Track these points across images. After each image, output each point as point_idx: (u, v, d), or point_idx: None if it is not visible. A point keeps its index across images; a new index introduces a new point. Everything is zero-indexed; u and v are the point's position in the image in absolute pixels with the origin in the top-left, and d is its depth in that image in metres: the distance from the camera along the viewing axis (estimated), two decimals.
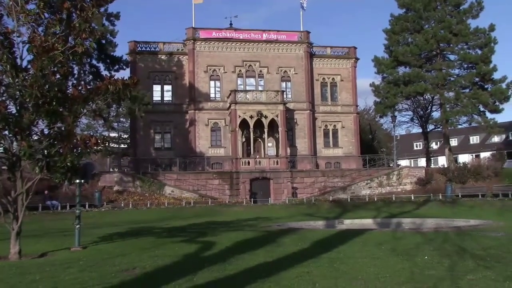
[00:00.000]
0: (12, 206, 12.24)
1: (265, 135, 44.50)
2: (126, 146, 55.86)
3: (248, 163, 43.02)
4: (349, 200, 37.74)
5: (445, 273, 9.18)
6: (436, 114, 52.03)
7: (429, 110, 54.04)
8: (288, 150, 44.89)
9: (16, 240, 11.96)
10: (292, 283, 8.38)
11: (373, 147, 58.47)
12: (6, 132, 11.96)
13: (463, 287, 8.04)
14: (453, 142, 65.48)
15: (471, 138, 72.12)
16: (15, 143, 12.25)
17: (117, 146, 55.87)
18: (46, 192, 31.79)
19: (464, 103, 43.67)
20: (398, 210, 30.41)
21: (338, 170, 46.45)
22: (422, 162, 63.62)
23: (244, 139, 45.37)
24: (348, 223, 23.56)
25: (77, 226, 13.58)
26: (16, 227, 12.04)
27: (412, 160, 76.12)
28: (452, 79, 45.40)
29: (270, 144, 45.59)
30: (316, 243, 13.60)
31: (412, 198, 36.90)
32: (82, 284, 8.33)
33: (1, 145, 12.17)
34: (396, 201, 35.66)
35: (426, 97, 51.10)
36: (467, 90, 45.13)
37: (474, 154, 65.37)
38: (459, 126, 50.54)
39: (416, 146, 79.81)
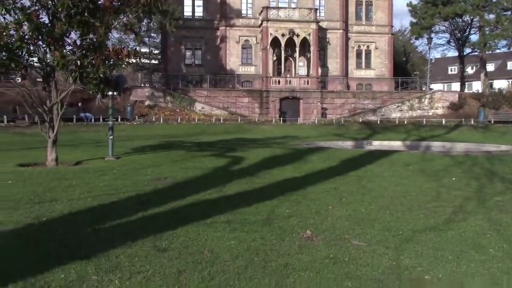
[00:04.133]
0: (48, 116, 12.56)
1: (297, 54, 43.80)
2: (157, 62, 55.88)
3: (279, 82, 42.75)
4: (378, 122, 37.54)
5: (473, 194, 9.20)
6: (474, 37, 50.15)
7: (467, 33, 52.02)
8: (319, 70, 44.32)
9: (52, 148, 12.37)
10: (319, 197, 8.54)
11: (406, 70, 57.18)
12: (40, 42, 12.04)
13: (490, 207, 8.07)
14: (490, 67, 63.40)
15: (509, 63, 69.60)
16: (48, 53, 12.36)
17: (148, 61, 55.94)
18: (80, 104, 32.44)
19: (504, 26, 41.80)
20: (428, 133, 30.15)
21: (369, 92, 45.86)
22: (456, 86, 62.14)
23: (275, 58, 44.81)
24: (377, 145, 23.56)
25: (110, 137, 13.91)
26: (52, 135, 12.41)
27: (445, 84, 74.43)
28: (493, 0, 43.19)
29: (301, 64, 44.97)
30: (344, 162, 13.69)
31: (443, 122, 36.44)
32: (116, 190, 8.65)
33: (36, 55, 12.29)
34: (426, 125, 35.32)
35: (465, 19, 49.00)
36: (509, 13, 43.00)
37: (510, 80, 63.38)
38: (498, 51, 48.75)
39: (451, 70, 77.67)
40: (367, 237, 6.20)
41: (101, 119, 30.84)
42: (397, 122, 37.94)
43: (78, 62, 12.00)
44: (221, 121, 36.18)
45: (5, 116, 28.57)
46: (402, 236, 6.31)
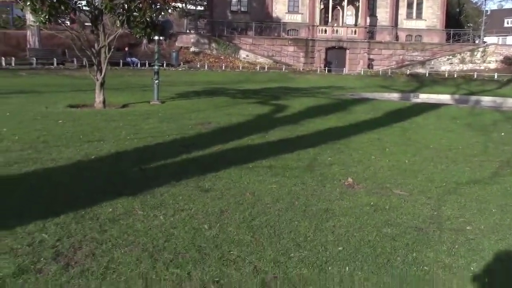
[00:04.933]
0: (96, 59, 12.78)
1: (345, 3, 42.58)
2: (202, 8, 55.44)
3: (325, 31, 41.86)
4: (427, 75, 36.46)
5: None
6: None
7: None
8: (368, 20, 43.04)
9: (100, 90, 12.66)
10: (361, 147, 8.49)
11: (459, 22, 54.77)
12: None
13: None
14: None
15: None
16: None
17: (194, 7, 55.55)
18: (126, 49, 32.75)
19: None
20: (479, 88, 29.15)
21: (419, 43, 44.34)
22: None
23: (322, 6, 43.70)
24: (424, 98, 23.00)
25: (156, 81, 14.09)
26: (100, 78, 12.67)
27: (500, 37, 71.07)
28: None
29: (349, 13, 43.74)
30: (388, 113, 13.48)
31: (496, 77, 35.08)
32: (161, 133, 8.83)
33: None
34: (477, 79, 34.12)
35: None
36: None
37: None
38: None
39: (507, 23, 73.93)
40: (409, 187, 6.16)
41: (146, 64, 31.11)
42: (446, 75, 36.76)
43: (125, 5, 12.07)
44: (265, 69, 35.94)
45: (55, 59, 29.17)
46: (445, 187, 6.24)
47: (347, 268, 3.83)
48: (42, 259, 3.70)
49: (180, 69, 33.33)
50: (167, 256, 3.85)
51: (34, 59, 28.55)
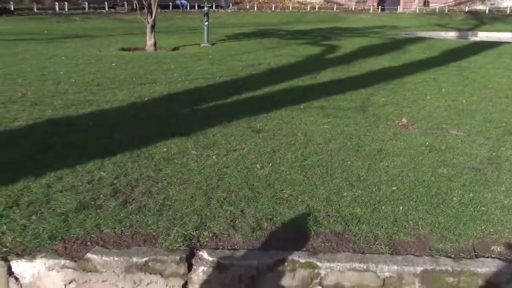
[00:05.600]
0: (146, 1, 12.76)
1: None
2: None
3: None
4: (487, 12, 34.57)
5: None
6: None
7: None
8: None
9: (151, 33, 12.70)
10: (416, 87, 8.23)
11: None
12: None
13: None
14: None
15: None
16: None
17: None
18: None
19: None
20: None
21: None
22: None
23: None
24: (483, 36, 21.90)
25: (206, 23, 13.99)
26: (151, 21, 12.69)
27: None
28: None
29: None
30: (445, 52, 12.94)
31: None
32: (212, 74, 8.84)
33: None
34: None
35: None
36: None
37: None
38: None
39: None
40: (467, 128, 5.96)
41: (196, 6, 30.89)
42: (508, 12, 34.71)
43: None
44: (316, 9, 35.00)
45: (106, 3, 29.40)
46: (505, 128, 6.00)
47: (401, 207, 3.78)
48: (101, 195, 3.84)
49: (229, 10, 32.94)
50: (220, 194, 3.91)
51: (86, 3, 28.89)
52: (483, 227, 3.54)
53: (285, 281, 3.07)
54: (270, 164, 4.57)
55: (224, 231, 3.38)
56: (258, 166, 4.52)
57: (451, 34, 21.84)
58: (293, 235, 3.36)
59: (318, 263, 3.05)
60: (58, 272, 3.04)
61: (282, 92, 7.71)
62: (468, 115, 6.54)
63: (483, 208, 3.82)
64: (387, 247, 3.27)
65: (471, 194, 4.05)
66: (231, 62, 10.37)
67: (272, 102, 6.96)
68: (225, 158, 4.69)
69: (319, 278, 3.04)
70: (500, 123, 6.19)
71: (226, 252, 3.12)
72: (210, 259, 3.06)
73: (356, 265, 3.04)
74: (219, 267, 3.03)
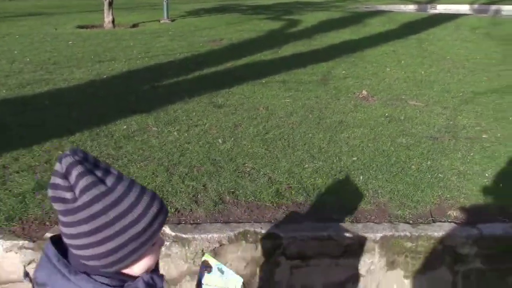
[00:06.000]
0: None
1: None
2: None
3: None
4: None
5: None
6: None
7: None
8: None
9: (108, 10, 12.37)
10: (376, 59, 8.31)
11: None
12: None
13: None
14: None
15: None
16: None
17: None
18: None
19: None
20: None
21: None
22: None
23: None
24: (442, 9, 22.19)
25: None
26: None
27: None
28: None
29: None
30: (404, 25, 13.05)
31: None
32: (172, 51, 8.70)
33: None
34: None
35: None
36: None
37: None
38: None
39: None
40: (425, 98, 6.07)
41: None
42: None
43: None
44: None
45: None
46: (461, 97, 6.14)
47: (361, 177, 3.85)
48: None
49: None
50: (182, 169, 3.89)
51: None
52: (440, 193, 3.64)
53: (248, 252, 3.09)
54: (232, 139, 4.56)
55: (186, 206, 3.37)
56: (220, 141, 4.51)
57: (411, 7, 22.03)
58: (256, 207, 3.38)
59: (281, 234, 3.08)
60: (16, 253, 2.99)
61: (243, 67, 7.67)
62: (426, 86, 6.65)
63: (440, 175, 3.92)
64: (348, 215, 3.32)
65: (429, 162, 4.15)
66: (192, 38, 10.22)
67: (233, 77, 6.92)
68: (186, 134, 4.66)
69: (281, 248, 3.08)
70: (457, 93, 6.32)
71: (188, 227, 3.12)
72: (173, 234, 3.06)
73: (318, 234, 3.09)
74: (181, 241, 3.03)
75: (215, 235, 3.04)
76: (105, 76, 6.90)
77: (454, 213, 3.38)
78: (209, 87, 6.32)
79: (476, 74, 7.43)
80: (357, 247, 3.09)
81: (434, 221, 3.27)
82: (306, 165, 4.02)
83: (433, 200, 3.54)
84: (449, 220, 3.29)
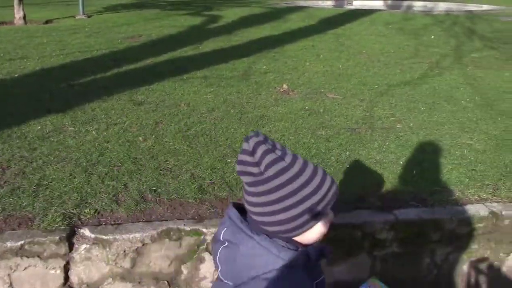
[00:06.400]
0: None
1: None
2: None
3: None
4: None
5: (450, 51, 9.21)
6: None
7: None
8: None
9: (19, 6, 11.77)
10: (296, 54, 8.46)
11: None
12: None
13: (466, 63, 8.13)
14: None
15: None
16: None
17: None
18: None
19: None
20: None
21: None
22: None
23: None
24: (358, 5, 22.95)
25: None
26: None
27: None
28: None
29: None
30: (323, 21, 13.39)
31: None
32: (89, 47, 8.42)
33: None
34: None
35: None
36: None
37: None
38: None
39: None
40: (343, 91, 6.25)
41: None
42: None
43: None
44: None
45: None
46: (377, 90, 6.38)
47: None
48: None
49: None
50: (101, 169, 3.77)
51: None
52: (358, 182, 3.76)
53: (172, 250, 3.05)
54: (153, 136, 4.48)
55: (107, 206, 3.27)
56: (140, 138, 4.42)
57: (329, 3, 22.62)
58: (178, 205, 3.34)
59: (204, 229, 3.06)
60: None
61: (164, 63, 7.56)
62: (344, 79, 6.85)
63: (358, 165, 4.05)
64: None
65: (347, 153, 4.28)
66: (110, 34, 9.93)
67: (153, 73, 6.80)
68: (105, 133, 4.52)
69: (205, 243, 3.06)
70: (373, 86, 6.56)
71: (108, 228, 3.03)
72: (92, 236, 2.96)
73: None
74: (102, 243, 2.94)
75: (137, 235, 2.97)
76: (16, 75, 6.56)
77: (372, 200, 3.50)
78: (129, 84, 6.17)
79: (390, 67, 7.75)
80: None
81: (353, 209, 3.37)
82: (229, 160, 4.02)
83: (352, 189, 3.65)
84: (367, 208, 3.41)
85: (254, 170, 1.49)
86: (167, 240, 3.01)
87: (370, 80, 6.87)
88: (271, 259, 1.51)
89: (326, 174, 1.56)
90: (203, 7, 16.15)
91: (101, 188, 3.48)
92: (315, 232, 1.57)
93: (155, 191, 3.49)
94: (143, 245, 2.98)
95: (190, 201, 3.38)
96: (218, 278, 1.71)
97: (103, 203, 3.30)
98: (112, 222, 3.11)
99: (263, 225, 1.54)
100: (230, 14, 13.92)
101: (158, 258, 3.03)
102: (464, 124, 5.15)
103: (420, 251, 3.37)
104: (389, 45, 9.69)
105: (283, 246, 1.54)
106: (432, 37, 10.93)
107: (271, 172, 1.47)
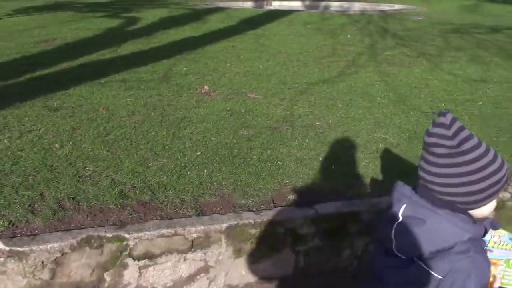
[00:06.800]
0: None
1: None
2: None
3: None
4: None
5: (365, 50, 9.57)
6: None
7: None
8: None
9: None
10: (217, 55, 8.47)
11: None
12: None
13: (380, 60, 8.48)
14: None
15: None
16: None
17: None
18: None
19: None
20: None
21: None
22: None
23: None
24: (277, 5, 23.32)
25: None
26: None
27: None
28: None
29: None
30: (243, 21, 13.48)
31: None
32: None
33: None
34: None
35: None
36: None
37: None
38: None
39: None
40: (264, 91, 6.34)
41: None
42: None
43: None
44: None
45: None
46: (297, 88, 6.52)
47: (205, 171, 3.91)
48: None
49: None
50: (15, 179, 3.61)
51: None
52: (280, 180, 3.84)
53: (93, 258, 2.97)
54: (71, 143, 4.34)
55: (22, 217, 3.14)
56: (57, 145, 4.27)
57: (248, 4, 22.81)
58: (99, 211, 3.26)
59: (126, 235, 3.01)
60: None
61: (80, 67, 7.32)
62: (264, 79, 6.95)
63: (279, 163, 4.13)
64: (193, 210, 3.36)
65: (269, 151, 4.35)
66: (21, 38, 9.49)
67: (69, 78, 6.57)
68: (19, 141, 4.33)
69: (128, 249, 3.01)
70: (293, 84, 6.70)
71: (24, 239, 2.91)
72: (7, 248, 2.83)
73: (164, 231, 3.07)
74: (17, 255, 2.82)
75: (56, 245, 2.88)
76: None
77: (293, 197, 3.59)
78: (43, 89, 5.93)
79: (309, 66, 7.94)
80: (204, 239, 3.14)
81: (275, 207, 3.44)
82: (150, 164, 3.97)
83: (274, 187, 3.72)
84: (289, 204, 3.49)
85: (449, 143, 1.61)
86: (87, 248, 2.94)
87: (290, 79, 7.00)
88: (457, 232, 1.64)
89: (503, 160, 1.71)
90: (121, 9, 15.80)
91: (15, 199, 3.34)
92: (489, 208, 1.72)
93: (73, 198, 3.39)
94: (62, 254, 2.89)
95: (111, 207, 3.31)
96: (379, 253, 1.84)
97: (18, 214, 3.16)
98: (28, 233, 3.00)
99: (445, 196, 1.66)
100: (149, 16, 13.71)
101: (79, 267, 2.95)
102: (379, 119, 5.38)
103: (341, 243, 3.49)
104: (308, 45, 9.91)
105: (464, 220, 1.67)
106: (348, 36, 11.30)
107: (466, 146, 1.60)
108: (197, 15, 14.45)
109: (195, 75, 7.03)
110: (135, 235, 3.01)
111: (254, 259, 3.29)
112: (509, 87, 7.00)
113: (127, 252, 3.01)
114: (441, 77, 7.46)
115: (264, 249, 3.28)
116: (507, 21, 14.77)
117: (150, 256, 3.05)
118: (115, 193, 3.47)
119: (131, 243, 3.00)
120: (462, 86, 7.00)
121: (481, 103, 6.21)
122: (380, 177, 3.99)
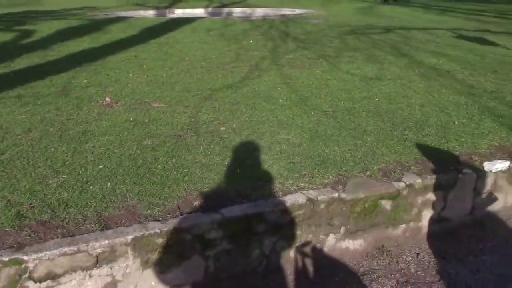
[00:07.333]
0: None
1: None
2: None
3: None
4: None
5: (268, 54, 9.77)
6: None
7: None
8: None
9: None
10: (118, 66, 8.30)
11: None
12: None
13: (282, 64, 8.69)
14: None
15: None
16: None
17: None
18: None
19: None
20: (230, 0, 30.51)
21: None
22: None
23: None
24: (180, 13, 23.25)
25: None
26: None
27: None
28: None
29: None
30: (145, 30, 13.32)
31: None
32: None
33: None
34: None
35: None
36: None
37: None
38: None
39: None
40: (168, 99, 6.30)
41: None
42: None
43: None
44: None
45: None
46: (201, 95, 6.53)
47: (108, 184, 3.82)
48: None
49: None
50: None
51: None
52: (185, 187, 3.83)
53: None
54: None
55: None
56: None
57: (150, 12, 22.54)
58: None
59: (25, 257, 2.88)
60: None
61: None
62: (168, 88, 6.90)
63: (185, 170, 4.13)
64: (97, 224, 3.27)
65: (174, 160, 4.33)
66: None
67: None
68: None
69: (28, 272, 2.88)
70: (197, 91, 6.71)
71: None
72: None
73: (66, 249, 2.97)
74: None
75: None
76: None
77: (199, 203, 3.60)
78: None
79: (213, 72, 7.99)
80: (109, 253, 3.07)
81: (182, 214, 3.43)
82: (50, 181, 3.82)
83: (179, 195, 3.71)
84: (195, 211, 3.49)
85: None
86: None
87: (194, 86, 7.01)
88: None
89: None
90: (14, 22, 15.06)
91: None
92: None
93: None
94: None
95: (7, 229, 3.15)
96: None
97: None
98: None
99: None
100: (45, 28, 13.16)
101: None
102: (282, 121, 5.52)
103: (249, 245, 3.54)
104: (211, 51, 9.97)
105: None
106: (251, 41, 11.48)
107: None
108: (97, 26, 14.09)
109: (96, 87, 6.85)
110: (35, 256, 2.88)
111: (163, 269, 3.26)
112: (402, 83, 7.44)
113: (27, 275, 2.88)
114: (340, 76, 7.78)
115: (172, 257, 3.26)
116: (398, 21, 15.69)
117: (52, 277, 2.94)
118: (11, 215, 3.30)
119: (30, 265, 2.87)
120: (359, 84, 7.34)
121: (376, 99, 6.54)
122: (283, 176, 4.10)
